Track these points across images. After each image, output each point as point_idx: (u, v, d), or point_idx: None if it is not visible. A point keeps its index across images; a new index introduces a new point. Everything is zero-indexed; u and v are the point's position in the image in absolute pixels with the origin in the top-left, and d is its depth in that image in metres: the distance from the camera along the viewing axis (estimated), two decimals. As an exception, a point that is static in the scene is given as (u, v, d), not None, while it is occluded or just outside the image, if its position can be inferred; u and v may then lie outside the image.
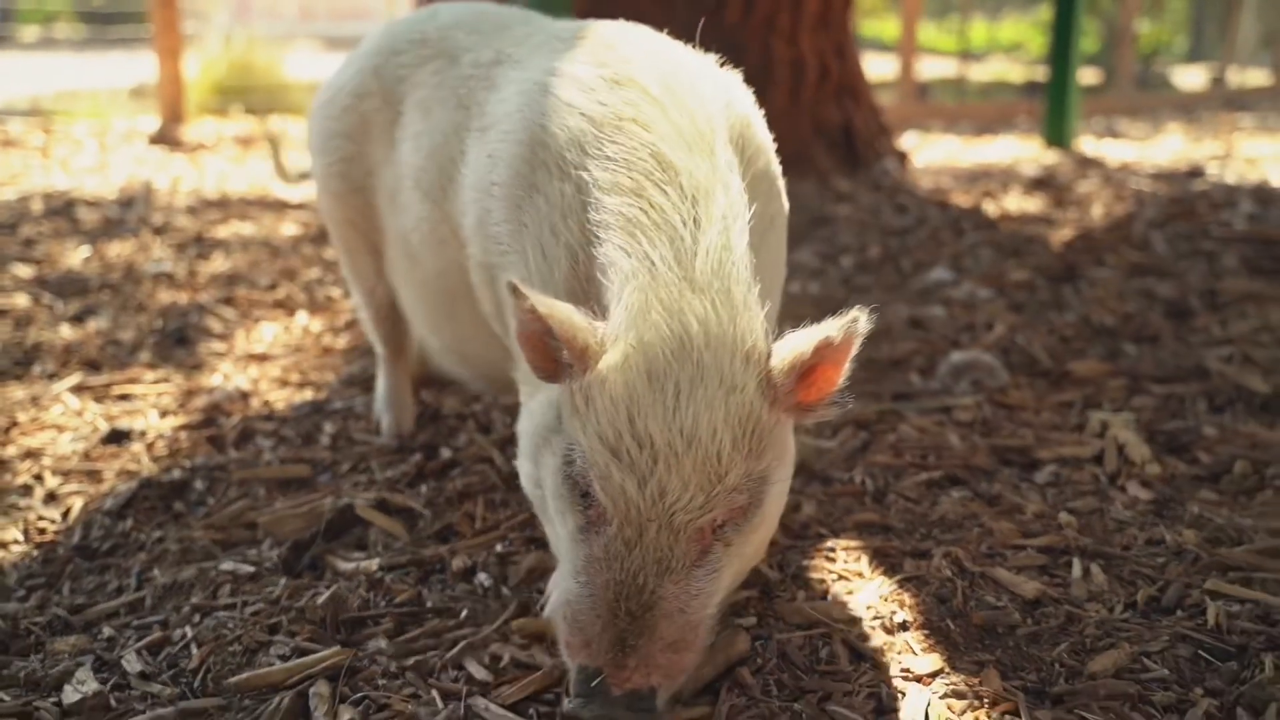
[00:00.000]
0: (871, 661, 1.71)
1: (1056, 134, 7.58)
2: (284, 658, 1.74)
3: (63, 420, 2.74)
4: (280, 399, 2.89)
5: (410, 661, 1.73)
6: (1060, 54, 7.44)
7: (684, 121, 1.64)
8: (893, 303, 3.70)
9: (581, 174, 1.63)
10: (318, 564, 2.05)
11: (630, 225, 1.53)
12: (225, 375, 3.07)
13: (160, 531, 2.19)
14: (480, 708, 1.60)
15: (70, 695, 1.66)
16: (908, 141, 8.19)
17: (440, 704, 1.62)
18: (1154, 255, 4.30)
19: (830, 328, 1.42)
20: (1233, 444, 2.51)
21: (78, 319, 3.58)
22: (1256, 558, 1.96)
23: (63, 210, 5.29)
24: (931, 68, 16.24)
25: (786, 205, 1.94)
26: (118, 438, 2.63)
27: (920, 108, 10.84)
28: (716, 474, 1.40)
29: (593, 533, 1.45)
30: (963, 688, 1.63)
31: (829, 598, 1.89)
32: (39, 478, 2.43)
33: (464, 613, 1.86)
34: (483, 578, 1.97)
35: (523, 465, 1.68)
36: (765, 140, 1.85)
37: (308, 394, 2.93)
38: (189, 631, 1.83)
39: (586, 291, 1.60)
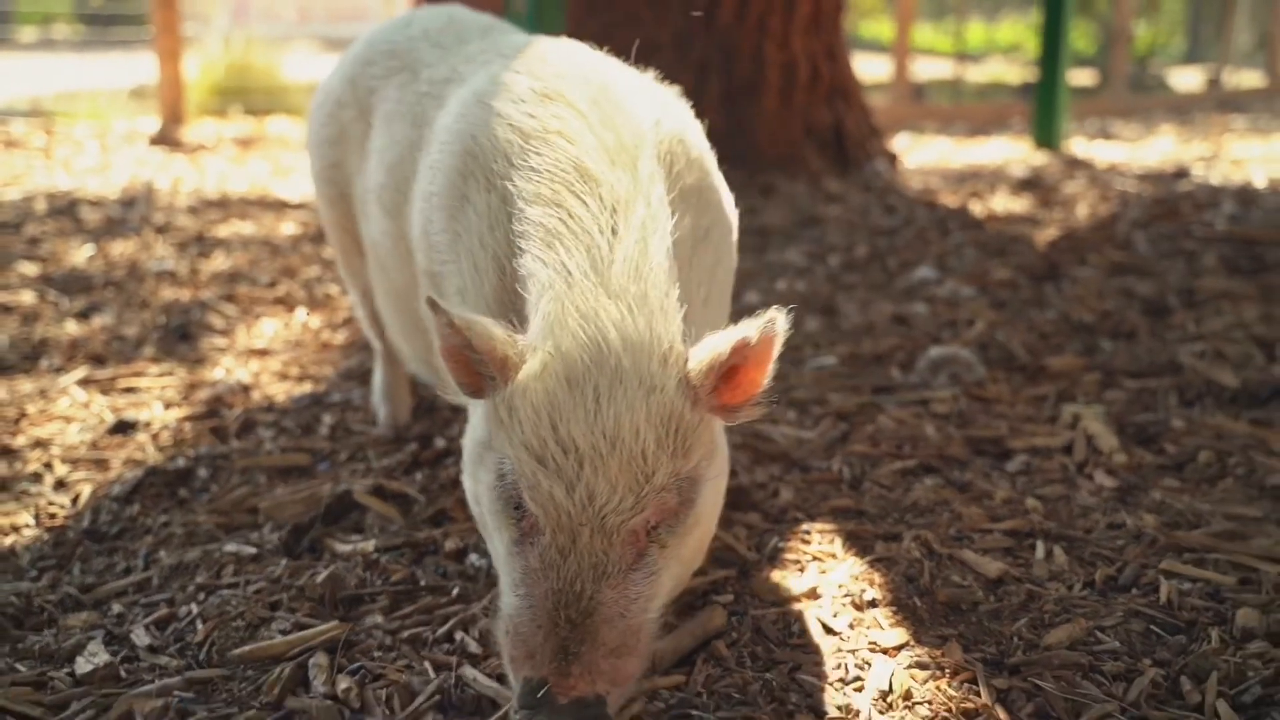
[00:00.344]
0: (841, 635, 1.80)
1: (1046, 135, 7.67)
2: (284, 632, 1.83)
3: (70, 412, 2.84)
4: (280, 392, 2.99)
5: (404, 635, 1.82)
6: (1050, 55, 7.53)
7: (608, 136, 1.68)
8: (877, 300, 3.80)
9: (507, 185, 1.66)
10: (317, 546, 2.14)
11: (549, 235, 1.55)
12: (227, 369, 3.17)
13: (166, 516, 2.29)
14: (470, 678, 1.69)
15: (82, 666, 1.76)
16: (900, 143, 8.29)
17: (432, 674, 1.72)
18: (1136, 255, 4.40)
19: (747, 329, 1.43)
20: (1199, 435, 2.60)
21: (83, 315, 3.67)
22: (1212, 540, 2.05)
23: (66, 210, 5.38)
24: (928, 69, 16.34)
25: (731, 218, 1.96)
26: (124, 428, 2.72)
27: (915, 109, 10.94)
28: (643, 473, 1.41)
29: (527, 544, 1.46)
30: (926, 659, 1.72)
31: (803, 576, 1.98)
32: (48, 466, 2.53)
33: (455, 591, 1.95)
34: (474, 558, 2.07)
35: (465, 482, 1.71)
36: (700, 156, 1.86)
37: (307, 387, 3.02)
38: (194, 608, 1.92)
39: (514, 303, 1.61)
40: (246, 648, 1.79)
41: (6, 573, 2.08)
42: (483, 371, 1.48)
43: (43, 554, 2.15)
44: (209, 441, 2.66)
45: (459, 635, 1.81)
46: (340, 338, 3.48)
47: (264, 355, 3.31)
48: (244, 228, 5.13)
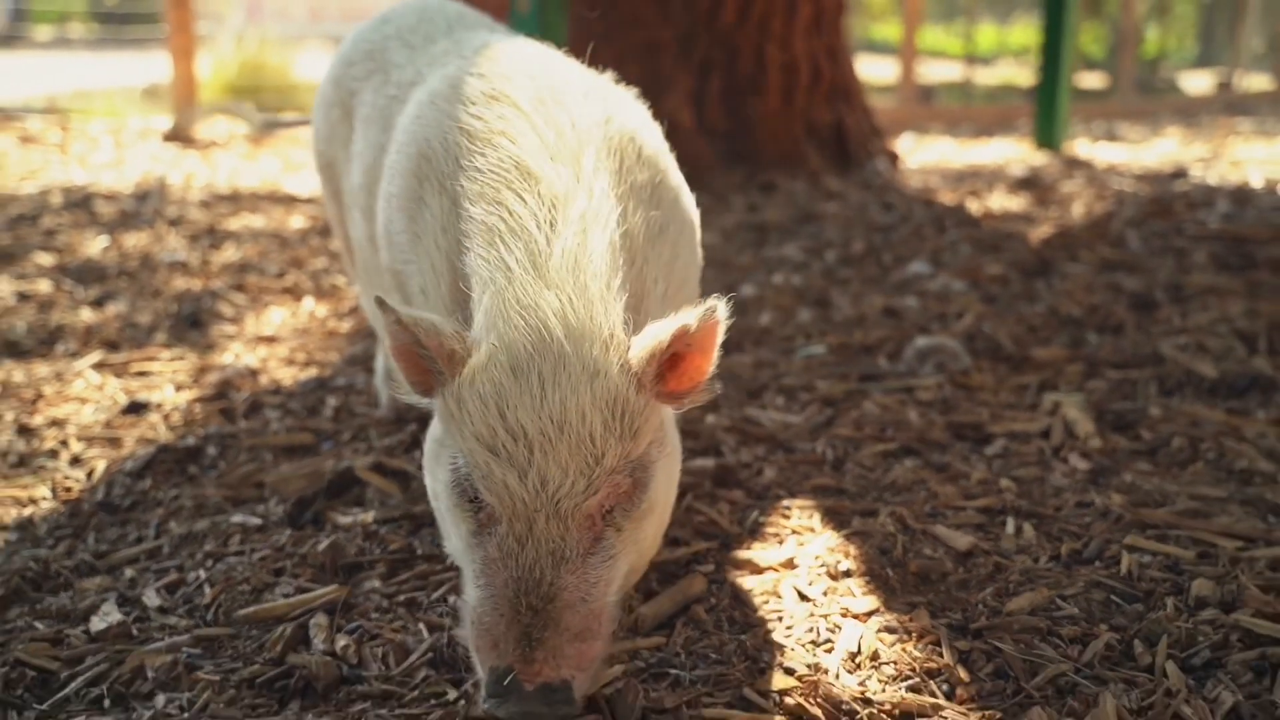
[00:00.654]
0: (815, 602, 1.90)
1: (1047, 136, 7.75)
2: (287, 595, 1.93)
3: (85, 393, 2.94)
4: (287, 376, 3.09)
5: (400, 599, 1.93)
6: (1051, 57, 7.61)
7: (550, 134, 1.71)
8: (869, 294, 3.89)
9: (455, 186, 1.70)
10: (319, 518, 2.24)
11: (489, 233, 1.59)
12: (236, 355, 3.27)
13: (176, 490, 2.39)
14: (461, 638, 1.79)
15: (97, 624, 1.86)
16: (904, 143, 8.38)
17: (426, 634, 1.81)
18: (1127, 252, 4.48)
19: (687, 317, 1.47)
20: (1175, 423, 2.69)
21: (97, 303, 3.79)
22: (1176, 518, 2.14)
23: (81, 203, 5.51)
24: (938, 71, 16.43)
25: (692, 216, 1.97)
26: (136, 409, 2.83)
27: (921, 111, 11.03)
28: (593, 456, 1.44)
29: (485, 535, 1.49)
30: (894, 624, 1.81)
31: (781, 548, 2.08)
32: (64, 443, 2.63)
33: (450, 559, 2.05)
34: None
35: (426, 480, 1.72)
36: (654, 154, 1.88)
37: (313, 372, 3.13)
38: (202, 574, 2.03)
39: (465, 302, 1.63)
40: (251, 609, 1.89)
41: (25, 541, 2.19)
42: (432, 368, 1.51)
43: (59, 524, 2.26)
44: (218, 422, 2.76)
45: (452, 599, 1.91)
46: (345, 326, 3.58)
47: (272, 342, 3.41)
48: (254, 221, 5.24)
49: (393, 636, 1.80)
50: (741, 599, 1.91)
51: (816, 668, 1.70)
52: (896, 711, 1.60)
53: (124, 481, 2.43)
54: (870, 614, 1.85)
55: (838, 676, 1.68)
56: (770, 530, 2.15)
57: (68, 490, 2.41)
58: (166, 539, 2.17)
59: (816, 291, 3.92)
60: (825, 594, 1.92)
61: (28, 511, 2.31)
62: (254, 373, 3.11)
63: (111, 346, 3.33)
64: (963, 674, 1.68)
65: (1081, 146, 8.27)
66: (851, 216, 5.27)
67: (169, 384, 3.02)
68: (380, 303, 1.50)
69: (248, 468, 2.46)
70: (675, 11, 6.07)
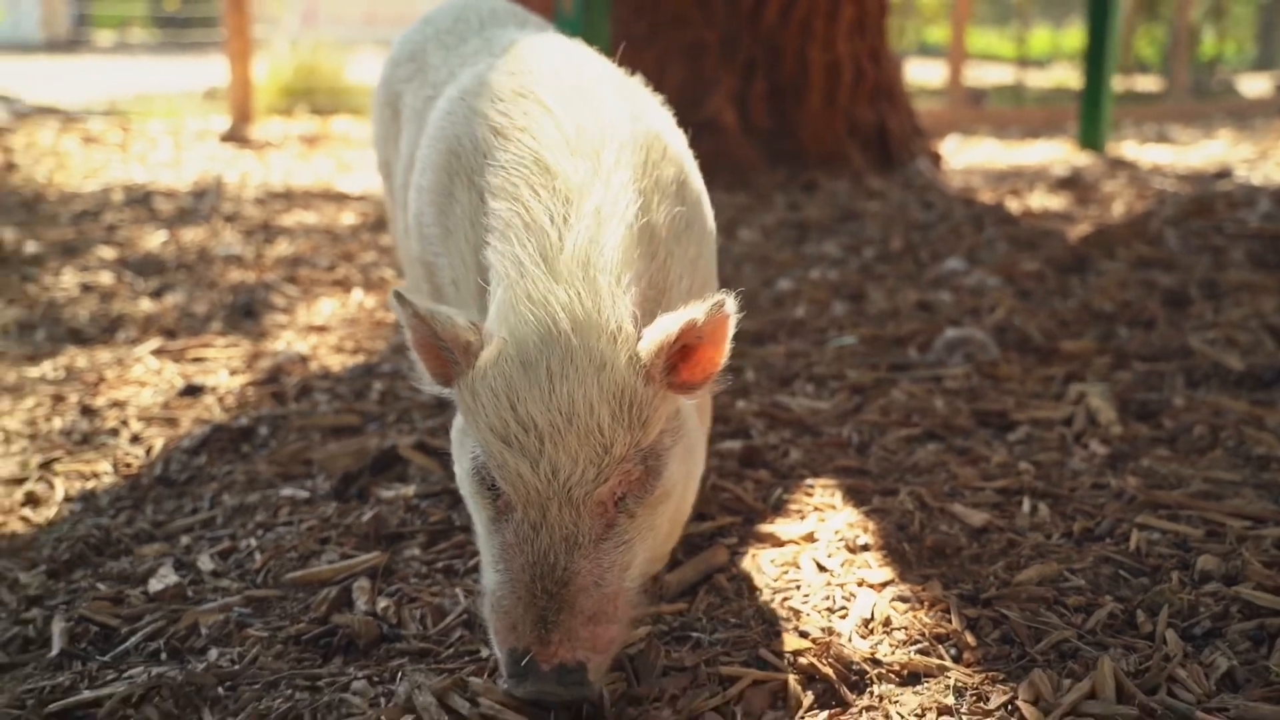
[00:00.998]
0: (832, 573, 1.98)
1: (1091, 137, 7.76)
2: (332, 561, 2.05)
3: (144, 377, 3.09)
4: (336, 362, 3.22)
5: (439, 566, 2.04)
6: (1095, 58, 7.62)
7: (571, 129, 1.74)
8: (904, 289, 3.96)
9: (481, 181, 1.75)
10: (364, 492, 2.36)
11: (505, 228, 1.64)
12: (288, 342, 3.41)
13: (230, 466, 2.51)
14: (481, 615, 1.88)
15: (154, 586, 1.99)
16: (949, 145, 8.41)
17: (462, 598, 1.92)
18: (1164, 249, 4.51)
19: (696, 310, 1.51)
20: (1197, 412, 2.74)
21: (156, 294, 3.95)
22: (1188, 499, 2.20)
23: (141, 200, 5.71)
24: (991, 74, 16.39)
25: (710, 222, 2.01)
26: (193, 391, 2.97)
27: (970, 113, 11.01)
28: (602, 445, 1.48)
29: (503, 521, 1.54)
30: (908, 594, 1.90)
31: (803, 523, 2.16)
32: (125, 423, 2.77)
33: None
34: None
35: (454, 468, 1.76)
36: (680, 155, 1.92)
37: (360, 358, 3.26)
38: (253, 542, 2.15)
39: (485, 294, 1.68)
40: (298, 573, 2.01)
41: (89, 511, 2.32)
42: (449, 360, 1.56)
43: (120, 496, 2.39)
44: (270, 404, 2.89)
45: (487, 566, 2.02)
46: (392, 316, 3.71)
47: (322, 331, 3.54)
48: (306, 217, 5.40)
49: (430, 599, 1.91)
50: (762, 569, 2.00)
51: (830, 631, 1.79)
52: (905, 672, 1.69)
53: (180, 458, 2.56)
54: (885, 584, 1.94)
55: (850, 640, 1.77)
56: (793, 507, 2.24)
57: (128, 466, 2.54)
58: (220, 510, 2.30)
59: (852, 286, 3.99)
60: (843, 566, 2.00)
61: (90, 485, 2.45)
62: (304, 359, 3.24)
63: (169, 334, 3.48)
64: (970, 639, 1.76)
65: (1129, 148, 8.27)
66: (892, 215, 5.33)
67: (224, 369, 3.16)
68: (399, 297, 1.56)
69: (297, 446, 2.58)
70: (718, 13, 6.16)
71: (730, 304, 1.52)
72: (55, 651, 1.80)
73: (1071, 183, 6.30)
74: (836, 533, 2.12)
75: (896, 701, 1.61)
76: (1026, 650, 1.72)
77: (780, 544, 2.09)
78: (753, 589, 1.94)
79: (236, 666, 1.74)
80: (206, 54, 12.43)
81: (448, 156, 1.88)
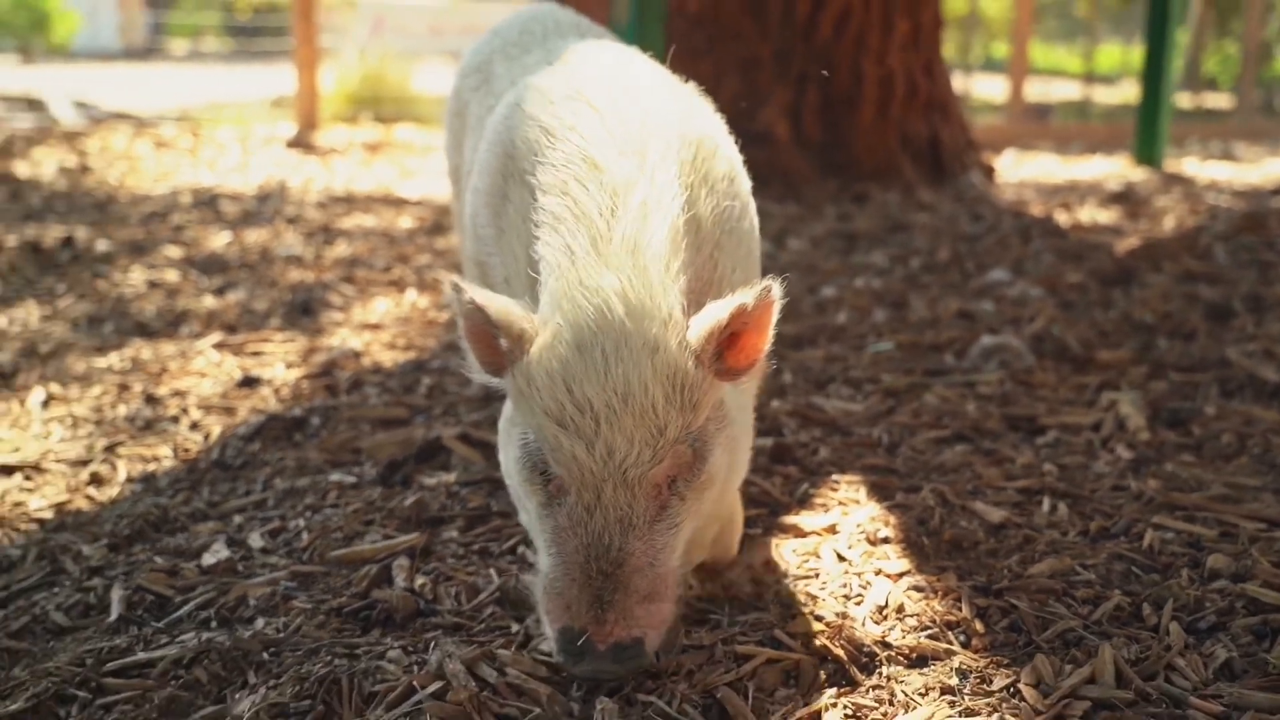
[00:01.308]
0: (851, 562, 2.06)
1: (1147, 153, 7.73)
2: (374, 542, 2.16)
3: (205, 369, 3.23)
4: (387, 358, 3.34)
5: (475, 548, 2.14)
6: (1152, 74, 7.60)
7: (618, 127, 1.78)
8: (947, 298, 4.01)
9: (533, 180, 1.78)
10: (408, 479, 2.47)
11: (555, 220, 1.67)
12: (342, 339, 3.54)
13: (282, 453, 2.64)
14: (527, 582, 1.98)
15: (207, 560, 2.11)
16: (1005, 159, 8.42)
17: (495, 578, 2.02)
18: (1212, 264, 4.52)
19: (744, 296, 1.55)
20: (1227, 421, 2.77)
21: (219, 292, 4.10)
22: (1206, 501, 2.25)
23: (208, 203, 5.91)
24: (1059, 90, 16.32)
25: (756, 225, 2.02)
26: (250, 383, 3.10)
27: (1031, 127, 10.98)
28: (656, 427, 1.52)
29: (556, 505, 1.57)
30: (923, 584, 1.97)
31: (826, 515, 2.24)
32: (185, 411, 2.91)
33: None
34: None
35: (500, 459, 1.80)
36: (730, 155, 1.96)
37: (411, 355, 3.38)
38: (301, 522, 2.26)
39: (535, 286, 1.71)
40: (342, 551, 2.12)
41: (149, 491, 2.45)
42: (502, 348, 1.59)
43: (178, 478, 2.52)
44: (322, 396, 3.01)
45: (521, 549, 2.11)
46: (444, 316, 3.83)
47: (375, 329, 3.67)
48: (365, 221, 5.56)
49: (465, 578, 2.01)
50: (783, 558, 2.07)
51: (844, 615, 1.86)
52: (913, 654, 1.76)
53: (236, 444, 2.69)
54: (901, 575, 2.01)
55: (863, 624, 1.84)
56: (818, 501, 2.32)
57: (186, 451, 2.67)
58: (271, 493, 2.42)
59: (895, 294, 4.05)
60: (862, 556, 2.08)
61: (151, 467, 2.58)
62: (357, 355, 3.36)
63: (230, 329, 3.63)
64: (979, 626, 1.83)
65: (1189, 164, 8.22)
66: (940, 226, 5.37)
67: (280, 362, 3.29)
68: (456, 287, 1.59)
69: (346, 435, 2.70)
70: (773, 26, 6.24)
71: (776, 289, 1.57)
72: (114, 617, 1.92)
73: (1123, 197, 6.30)
74: (858, 525, 2.19)
75: (903, 681, 1.68)
76: (1033, 638, 1.79)
77: (803, 535, 2.16)
78: (773, 576, 2.01)
79: (281, 635, 1.85)
80: (276, 63, 12.71)
81: (502, 159, 1.94)
